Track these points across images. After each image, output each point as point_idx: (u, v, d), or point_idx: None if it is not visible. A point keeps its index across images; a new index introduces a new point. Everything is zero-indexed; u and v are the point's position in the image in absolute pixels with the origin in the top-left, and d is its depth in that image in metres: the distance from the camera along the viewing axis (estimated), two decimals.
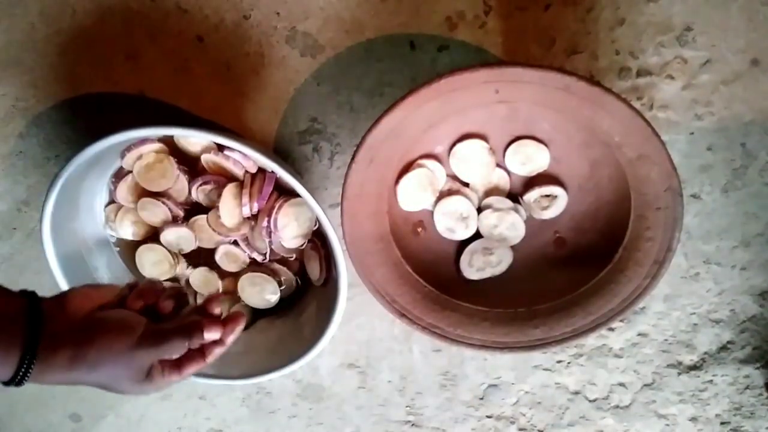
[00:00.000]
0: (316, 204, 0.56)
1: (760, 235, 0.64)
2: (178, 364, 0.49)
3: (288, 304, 0.69)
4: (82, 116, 0.68)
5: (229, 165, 0.62)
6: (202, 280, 0.67)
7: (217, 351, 0.50)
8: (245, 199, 0.62)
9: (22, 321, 0.42)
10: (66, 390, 0.79)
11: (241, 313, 0.51)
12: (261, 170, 0.63)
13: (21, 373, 0.42)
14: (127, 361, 0.45)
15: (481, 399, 0.72)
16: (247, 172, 0.63)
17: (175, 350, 0.47)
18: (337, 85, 0.64)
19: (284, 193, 0.63)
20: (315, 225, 0.64)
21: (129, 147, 0.62)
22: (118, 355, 0.45)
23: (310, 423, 0.76)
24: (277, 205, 0.62)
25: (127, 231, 0.66)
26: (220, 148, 0.62)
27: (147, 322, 0.48)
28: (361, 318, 0.71)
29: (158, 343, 0.46)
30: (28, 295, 0.45)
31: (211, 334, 0.48)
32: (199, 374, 0.65)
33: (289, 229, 0.63)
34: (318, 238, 0.65)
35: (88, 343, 0.44)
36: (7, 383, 0.42)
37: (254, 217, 0.64)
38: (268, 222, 0.62)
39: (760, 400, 0.69)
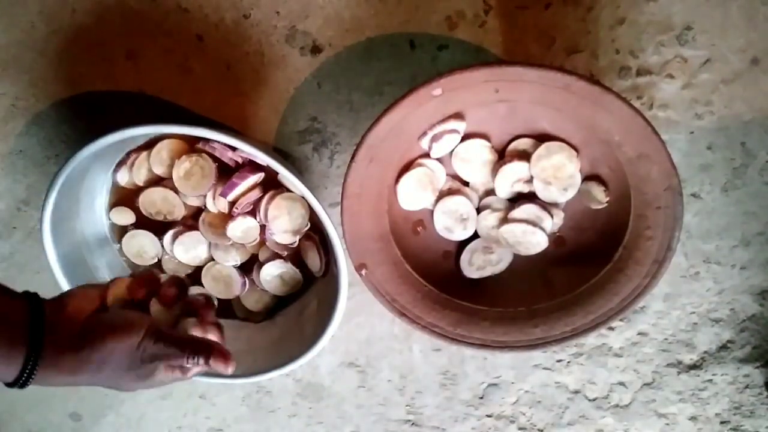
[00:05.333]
0: (317, 202, 0.56)
1: (760, 234, 0.64)
2: (182, 368, 0.49)
3: (290, 302, 0.69)
4: (82, 115, 0.68)
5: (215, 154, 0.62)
6: (162, 198, 0.65)
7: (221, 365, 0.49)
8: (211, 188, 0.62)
9: (26, 324, 0.42)
10: (66, 389, 0.79)
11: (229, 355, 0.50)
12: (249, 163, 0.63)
13: (25, 376, 0.42)
14: (131, 363, 0.45)
15: (481, 398, 0.73)
16: (237, 163, 0.63)
17: (180, 362, 0.47)
18: (337, 84, 0.64)
19: (274, 187, 0.63)
20: (307, 224, 0.63)
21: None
22: (123, 358, 0.45)
23: (309, 422, 0.76)
24: (268, 196, 0.62)
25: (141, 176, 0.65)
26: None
27: (151, 323, 0.47)
28: (361, 317, 0.71)
29: (163, 351, 0.46)
30: (31, 297, 0.45)
31: (217, 365, 0.48)
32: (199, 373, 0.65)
33: (280, 222, 0.62)
34: (312, 232, 0.65)
35: (90, 347, 0.44)
36: (10, 385, 0.42)
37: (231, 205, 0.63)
38: (258, 211, 0.62)
39: (759, 399, 0.69)
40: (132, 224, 0.67)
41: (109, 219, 0.67)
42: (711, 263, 0.65)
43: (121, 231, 0.67)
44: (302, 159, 0.67)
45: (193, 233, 0.65)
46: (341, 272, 0.58)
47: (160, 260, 0.68)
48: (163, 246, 0.66)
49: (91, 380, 0.45)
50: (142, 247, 0.66)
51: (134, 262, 0.68)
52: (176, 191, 0.64)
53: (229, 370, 0.49)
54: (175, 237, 0.65)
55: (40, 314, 0.44)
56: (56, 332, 0.44)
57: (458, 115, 0.56)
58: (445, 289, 0.61)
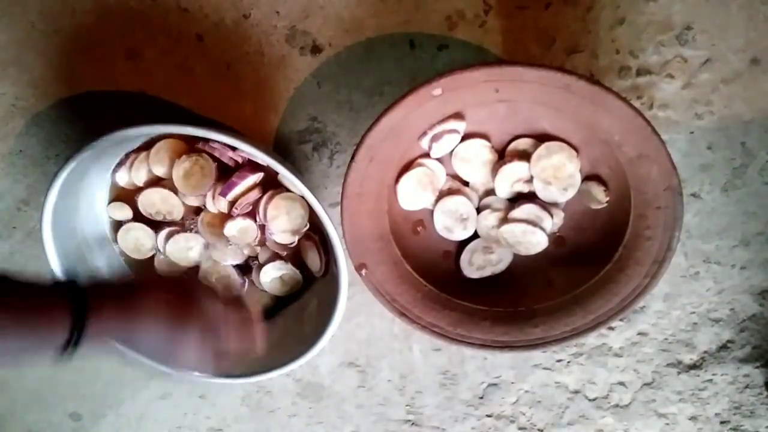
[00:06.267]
0: (317, 202, 0.56)
1: (759, 234, 0.64)
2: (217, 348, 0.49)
3: (290, 302, 0.69)
4: (82, 115, 0.68)
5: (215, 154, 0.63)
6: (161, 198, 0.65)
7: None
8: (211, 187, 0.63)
9: (65, 290, 0.42)
10: (66, 389, 0.79)
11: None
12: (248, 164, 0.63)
13: (76, 336, 0.41)
14: (177, 316, 0.45)
15: (481, 398, 0.73)
16: (237, 163, 0.63)
17: (231, 334, 0.49)
18: (337, 84, 0.64)
19: (274, 187, 0.63)
20: (306, 224, 0.63)
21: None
22: (171, 306, 0.45)
23: (309, 422, 0.76)
24: (267, 196, 0.62)
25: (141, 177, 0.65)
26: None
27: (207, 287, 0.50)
28: (361, 317, 0.71)
29: (220, 317, 0.48)
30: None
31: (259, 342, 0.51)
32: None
33: (278, 222, 0.62)
34: (312, 232, 0.65)
35: (137, 290, 0.45)
36: (65, 348, 0.41)
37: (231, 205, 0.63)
38: (258, 211, 0.62)
39: (759, 399, 0.69)
40: (130, 220, 0.67)
41: (108, 215, 0.67)
42: (711, 263, 0.65)
43: (119, 229, 0.67)
44: (302, 159, 0.67)
45: (188, 234, 0.65)
46: (341, 272, 0.58)
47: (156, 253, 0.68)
48: (157, 245, 0.66)
49: (144, 329, 0.44)
50: (138, 240, 0.66)
51: (132, 257, 0.68)
52: (175, 191, 0.64)
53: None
54: (168, 236, 0.65)
55: (76, 282, 0.44)
56: (98, 290, 0.44)
57: (458, 115, 0.56)
58: (445, 289, 0.61)
